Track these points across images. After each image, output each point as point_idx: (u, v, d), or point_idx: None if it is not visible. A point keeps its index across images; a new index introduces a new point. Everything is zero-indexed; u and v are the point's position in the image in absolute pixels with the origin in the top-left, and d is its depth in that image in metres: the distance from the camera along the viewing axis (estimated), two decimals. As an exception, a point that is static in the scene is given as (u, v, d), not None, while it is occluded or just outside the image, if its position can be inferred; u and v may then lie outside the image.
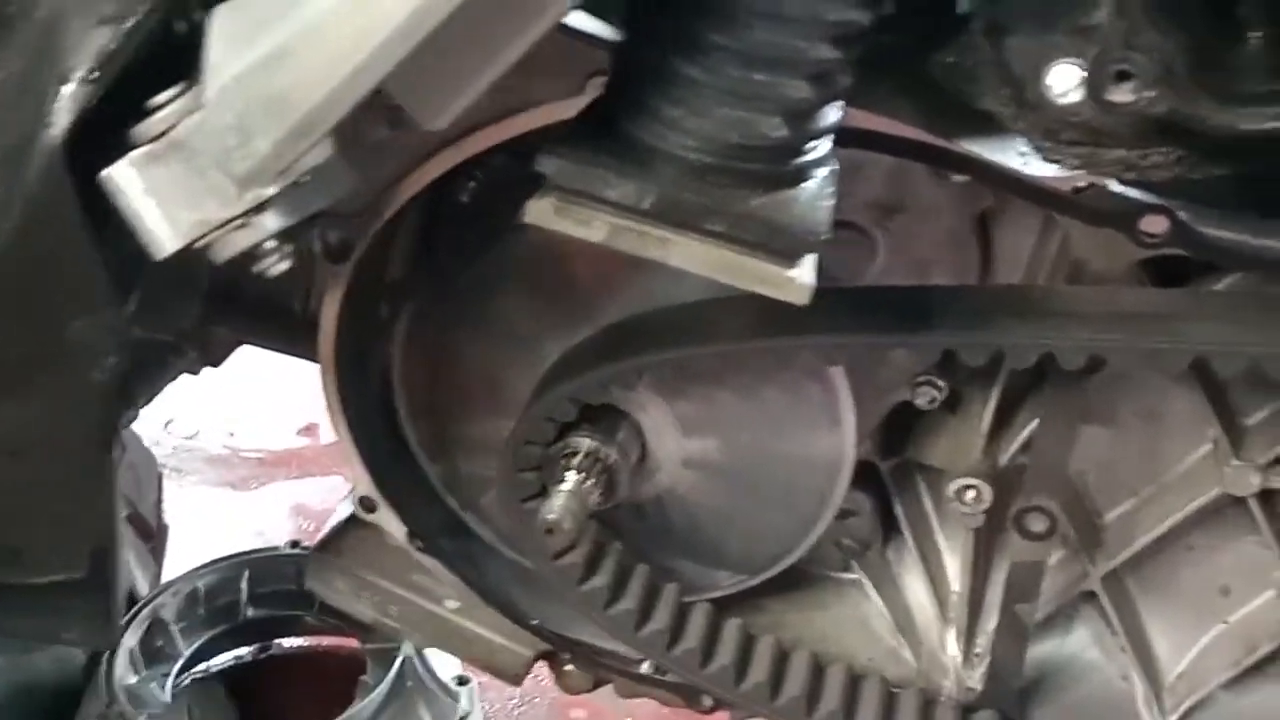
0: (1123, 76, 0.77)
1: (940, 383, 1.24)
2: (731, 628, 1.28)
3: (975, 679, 1.31)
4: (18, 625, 1.29)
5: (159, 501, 2.29)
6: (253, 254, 0.84)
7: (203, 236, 0.82)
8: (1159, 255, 1.04)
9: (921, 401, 1.25)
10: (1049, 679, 1.32)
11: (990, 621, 1.31)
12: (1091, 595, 1.31)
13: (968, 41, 0.87)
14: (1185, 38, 0.75)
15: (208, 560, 2.16)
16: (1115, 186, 1.01)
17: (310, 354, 1.43)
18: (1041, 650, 1.32)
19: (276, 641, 2.21)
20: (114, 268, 0.85)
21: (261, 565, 2.15)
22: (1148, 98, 0.77)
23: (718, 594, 1.34)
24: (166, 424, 3.00)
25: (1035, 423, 1.18)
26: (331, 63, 0.77)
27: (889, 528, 1.38)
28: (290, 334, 1.43)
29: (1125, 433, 1.24)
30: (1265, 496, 1.20)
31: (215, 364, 1.50)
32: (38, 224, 0.82)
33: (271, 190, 0.81)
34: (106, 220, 0.81)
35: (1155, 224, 1.01)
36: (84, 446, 0.96)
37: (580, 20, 1.07)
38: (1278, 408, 1.18)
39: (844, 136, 1.01)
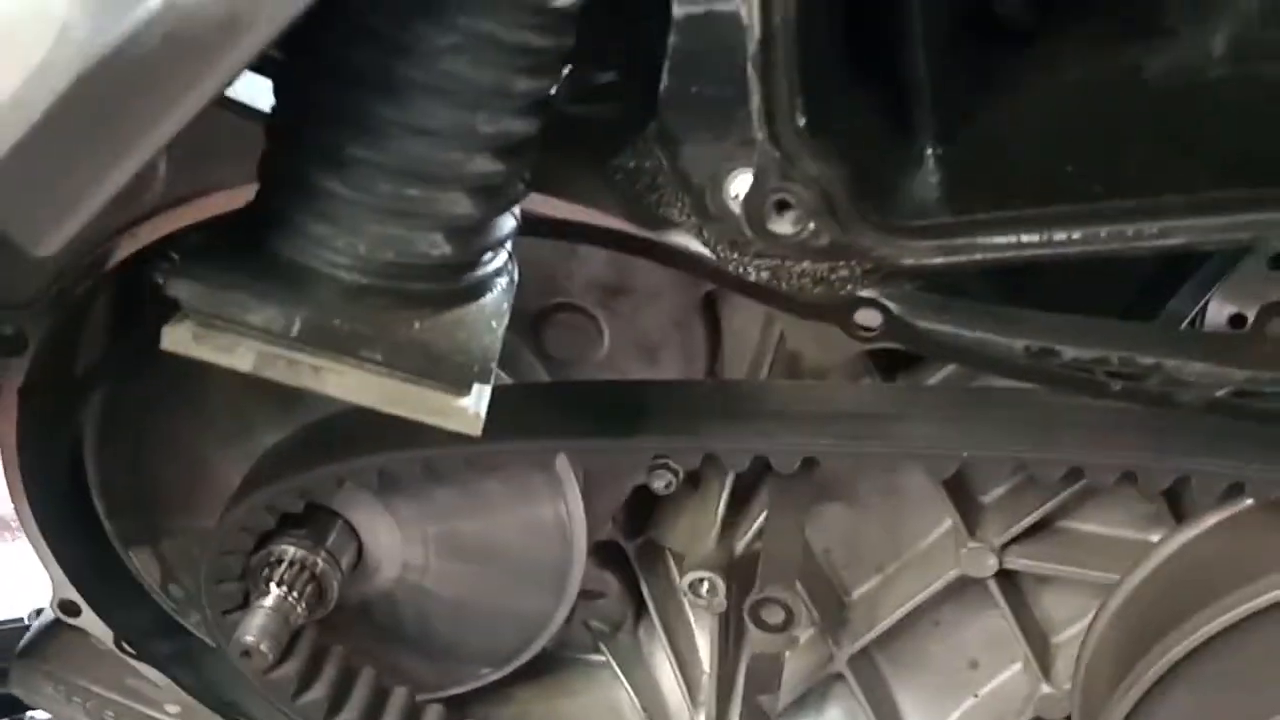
0: (782, 206, 0.72)
1: (676, 467, 1.19)
2: (466, 729, 1.21)
3: (726, 764, 1.27)
4: None
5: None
6: None
7: None
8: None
9: (658, 486, 1.19)
10: (801, 760, 1.29)
11: (740, 706, 1.27)
12: (840, 676, 1.27)
13: (643, 147, 0.80)
14: (850, 164, 0.70)
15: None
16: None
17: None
18: (794, 730, 1.28)
19: (30, 714, 2.07)
20: None
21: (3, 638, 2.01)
22: (809, 230, 0.72)
23: (465, 688, 1.27)
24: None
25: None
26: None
27: (639, 608, 1.33)
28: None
29: (867, 510, 1.21)
30: (1005, 575, 1.18)
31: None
32: None
33: None
34: None
35: (869, 318, 0.97)
36: None
37: (258, 96, 0.98)
38: (1013, 486, 1.16)
39: (546, 227, 0.95)
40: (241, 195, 1.01)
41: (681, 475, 1.17)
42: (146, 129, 0.71)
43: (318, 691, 1.15)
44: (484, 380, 0.79)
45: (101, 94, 0.65)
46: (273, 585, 1.07)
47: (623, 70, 0.95)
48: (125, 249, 1.07)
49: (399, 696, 1.20)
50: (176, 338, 0.80)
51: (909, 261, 0.72)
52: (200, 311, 0.79)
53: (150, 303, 1.18)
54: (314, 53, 0.74)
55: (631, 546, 1.29)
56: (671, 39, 0.72)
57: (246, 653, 1.03)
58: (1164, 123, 0.74)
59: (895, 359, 1.07)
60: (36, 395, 1.14)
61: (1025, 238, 0.70)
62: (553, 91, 0.79)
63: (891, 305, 0.95)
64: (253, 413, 1.16)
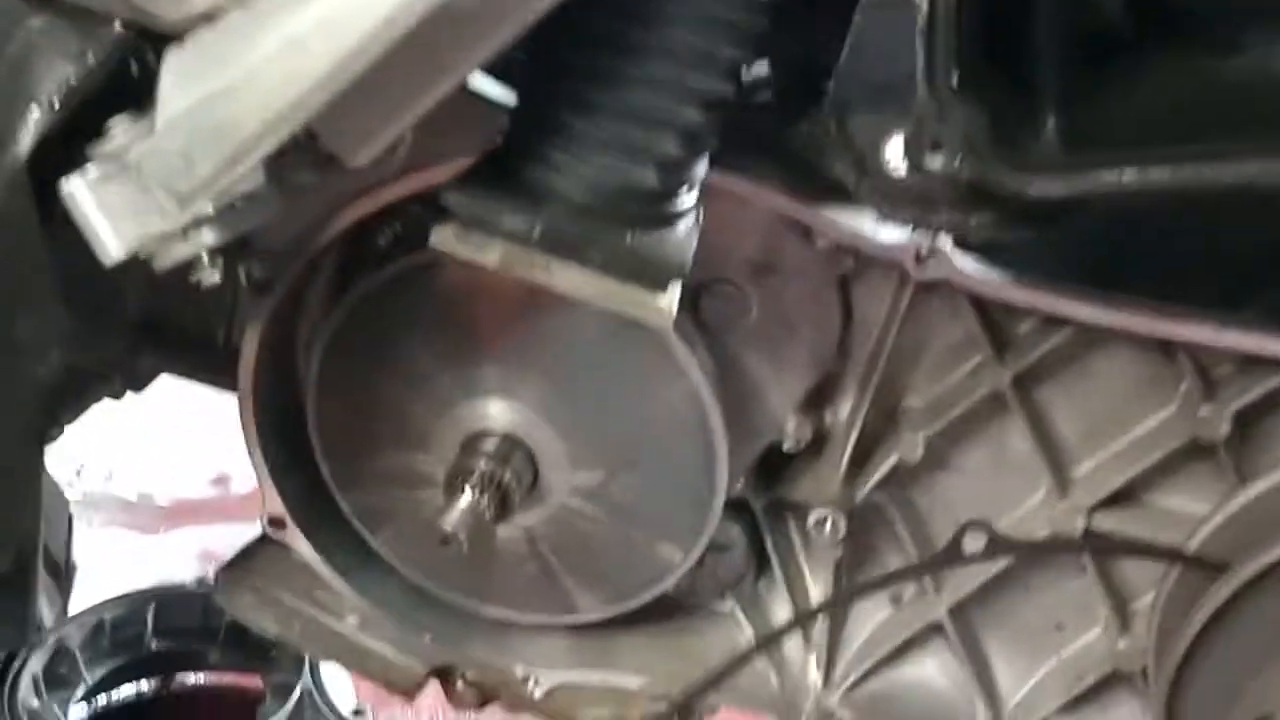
0: (935, 146, 0.93)
1: (807, 425, 1.38)
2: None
3: (833, 701, 1.44)
4: (-72, 623, 1.37)
5: (68, 540, 2.33)
6: (189, 265, 0.96)
7: (145, 246, 0.94)
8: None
9: (788, 445, 1.38)
10: (899, 703, 1.45)
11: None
12: (940, 628, 1.43)
13: (816, 117, 1.02)
14: (987, 115, 0.91)
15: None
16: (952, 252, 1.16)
17: (231, 385, 1.55)
18: (894, 676, 1.44)
19: (179, 676, 2.28)
20: (61, 273, 0.96)
21: (168, 600, 2.23)
22: (955, 165, 0.92)
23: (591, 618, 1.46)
24: (79, 470, 3.04)
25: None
26: (266, 101, 0.89)
27: (761, 562, 1.50)
28: (212, 365, 1.53)
29: (974, 477, 1.38)
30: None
31: (138, 390, 1.60)
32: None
33: (209, 209, 0.93)
34: (62, 230, 0.93)
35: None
36: (19, 440, 1.06)
37: (486, 86, 1.21)
38: (1104, 458, 1.32)
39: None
40: (460, 167, 1.24)
41: (810, 433, 1.38)
42: (460, 61, 0.93)
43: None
44: (676, 285, 1.00)
45: (434, 27, 0.87)
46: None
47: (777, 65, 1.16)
48: (363, 208, 1.30)
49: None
50: (442, 237, 1.01)
51: (1035, 193, 0.91)
52: (463, 217, 1.00)
53: (368, 268, 1.42)
54: (571, 21, 0.97)
55: (759, 504, 1.47)
56: (855, 20, 0.94)
57: (445, 541, 1.24)
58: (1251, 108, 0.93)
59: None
60: (273, 337, 1.37)
61: (1131, 176, 0.89)
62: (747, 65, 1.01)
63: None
64: (438, 367, 1.36)
